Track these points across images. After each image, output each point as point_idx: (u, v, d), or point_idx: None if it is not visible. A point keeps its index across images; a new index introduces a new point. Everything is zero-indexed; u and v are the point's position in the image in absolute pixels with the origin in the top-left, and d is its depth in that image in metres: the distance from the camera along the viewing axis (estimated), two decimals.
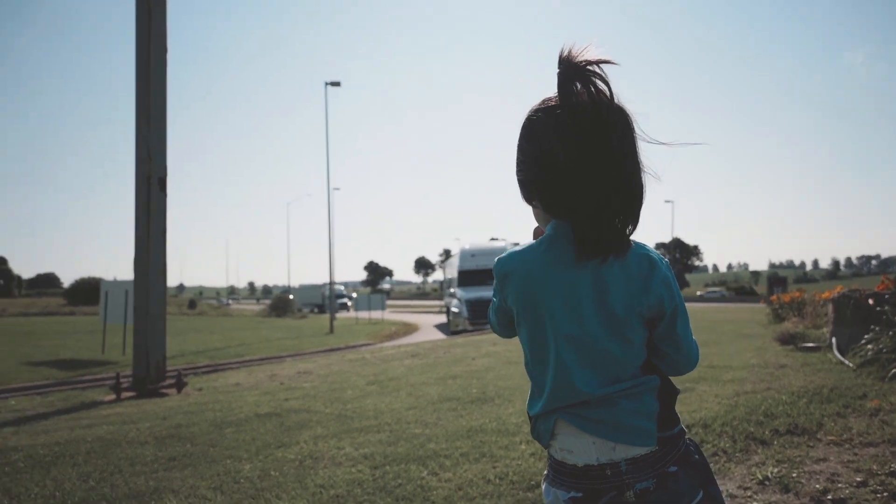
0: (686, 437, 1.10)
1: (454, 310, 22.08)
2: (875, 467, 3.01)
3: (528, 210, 1.18)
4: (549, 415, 1.07)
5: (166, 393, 7.04)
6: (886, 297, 6.53)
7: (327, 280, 35.66)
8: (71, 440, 4.45)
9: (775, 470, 3.07)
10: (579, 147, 1.00)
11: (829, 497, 2.71)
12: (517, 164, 1.12)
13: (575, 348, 1.04)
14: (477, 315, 20.88)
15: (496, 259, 1.13)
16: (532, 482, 2.99)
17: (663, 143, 1.06)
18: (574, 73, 1.01)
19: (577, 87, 1.01)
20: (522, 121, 1.10)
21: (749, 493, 2.84)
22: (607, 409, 1.03)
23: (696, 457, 1.09)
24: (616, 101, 1.02)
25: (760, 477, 2.99)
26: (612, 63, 1.01)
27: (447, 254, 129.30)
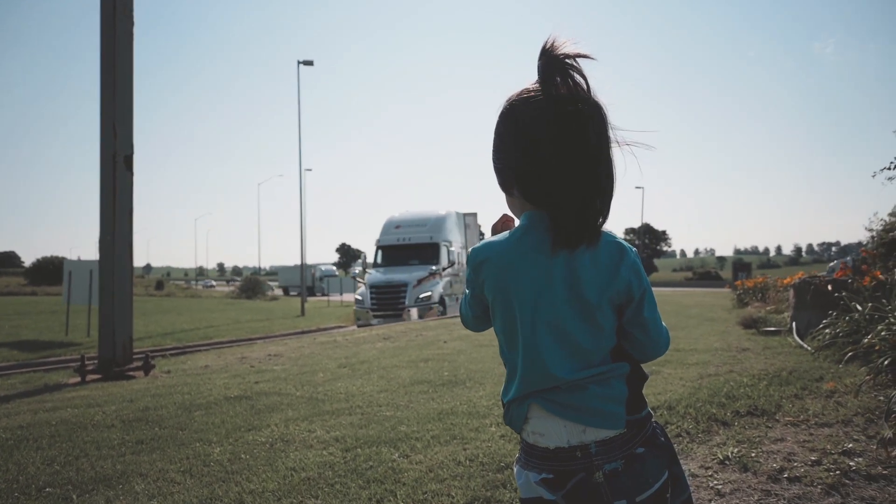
0: (652, 420, 1.14)
1: (357, 297, 17.60)
2: (829, 447, 3.14)
3: (503, 194, 1.20)
4: (523, 400, 1.11)
5: (133, 375, 6.93)
6: (846, 283, 6.75)
7: (298, 262, 34.91)
8: (34, 423, 4.37)
9: (735, 450, 3.18)
10: (560, 137, 1.02)
11: (786, 476, 2.82)
12: (495, 151, 1.14)
13: (548, 334, 1.07)
14: (383, 305, 16.87)
15: (471, 249, 1.16)
16: (502, 463, 3.04)
17: (633, 137, 1.10)
18: (554, 65, 1.04)
19: (557, 79, 1.03)
20: (501, 108, 1.12)
21: (710, 473, 2.93)
22: (578, 393, 1.07)
23: (662, 439, 1.13)
24: (593, 94, 1.05)
25: (721, 457, 3.10)
26: (590, 58, 1.04)
27: None
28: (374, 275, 18.04)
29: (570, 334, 1.07)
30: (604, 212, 1.07)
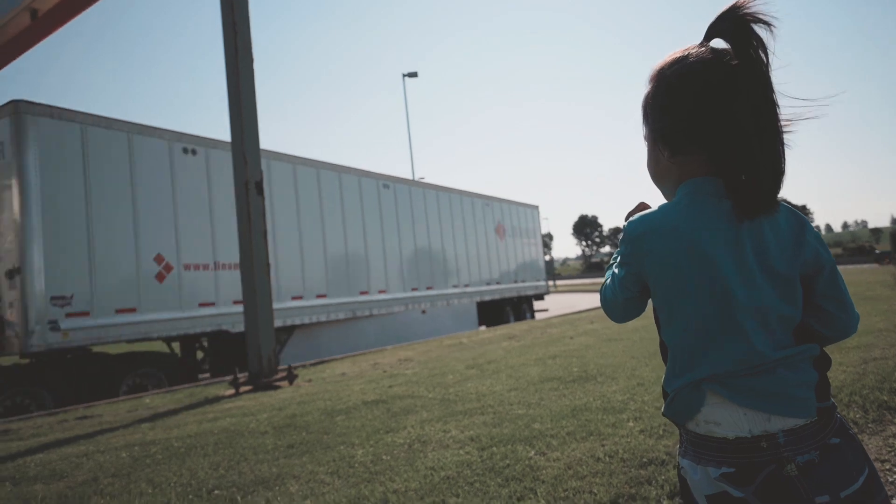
0: (838, 411, 1.02)
1: None
2: None
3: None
4: (698, 385, 1.01)
5: (279, 385, 7.45)
6: None
7: None
8: (200, 433, 4.81)
9: None
10: (758, 101, 0.98)
11: None
12: (669, 107, 1.07)
13: (742, 308, 0.99)
14: None
15: (627, 222, 1.08)
16: (644, 459, 2.91)
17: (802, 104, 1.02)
18: (746, 27, 0.99)
19: (748, 41, 0.99)
20: (675, 64, 1.07)
21: (888, 466, 2.63)
22: (766, 377, 0.97)
23: (851, 431, 1.01)
24: (770, 63, 1.00)
25: None
26: (772, 25, 0.99)
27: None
28: None
29: (769, 308, 0.98)
30: (783, 180, 1.01)
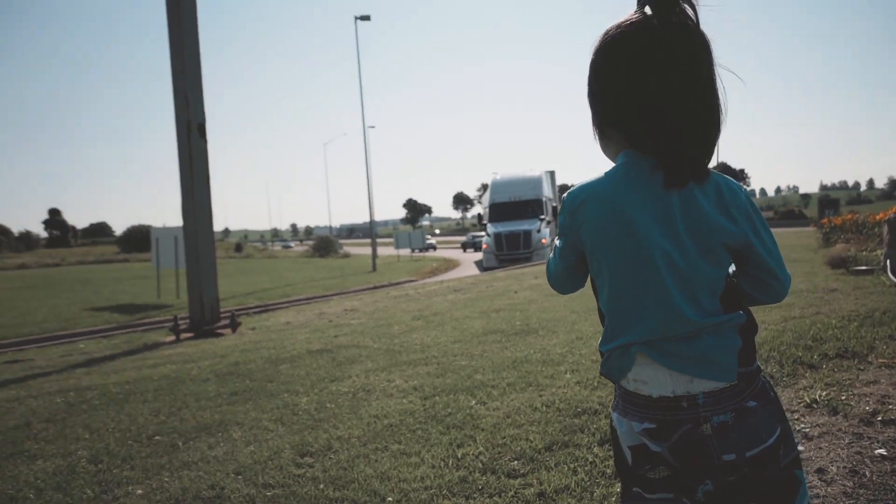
0: (762, 374, 1.08)
1: None
2: None
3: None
4: (628, 347, 1.04)
5: (222, 333, 7.37)
6: None
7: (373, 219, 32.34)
8: (139, 379, 4.74)
9: (823, 393, 3.06)
10: (673, 70, 0.97)
11: (879, 419, 2.70)
12: (597, 84, 1.07)
13: (672, 273, 1.00)
14: None
15: (566, 193, 1.08)
16: (578, 409, 3.07)
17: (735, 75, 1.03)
18: None
19: (666, 7, 0.97)
20: (599, 40, 1.06)
21: (796, 416, 2.85)
22: (691, 343, 1.01)
23: (772, 394, 1.07)
24: (700, 25, 0.99)
25: (808, 400, 3.00)
26: None
27: (485, 188, 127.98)
28: None
29: (694, 275, 1.00)
30: (712, 149, 1.01)
